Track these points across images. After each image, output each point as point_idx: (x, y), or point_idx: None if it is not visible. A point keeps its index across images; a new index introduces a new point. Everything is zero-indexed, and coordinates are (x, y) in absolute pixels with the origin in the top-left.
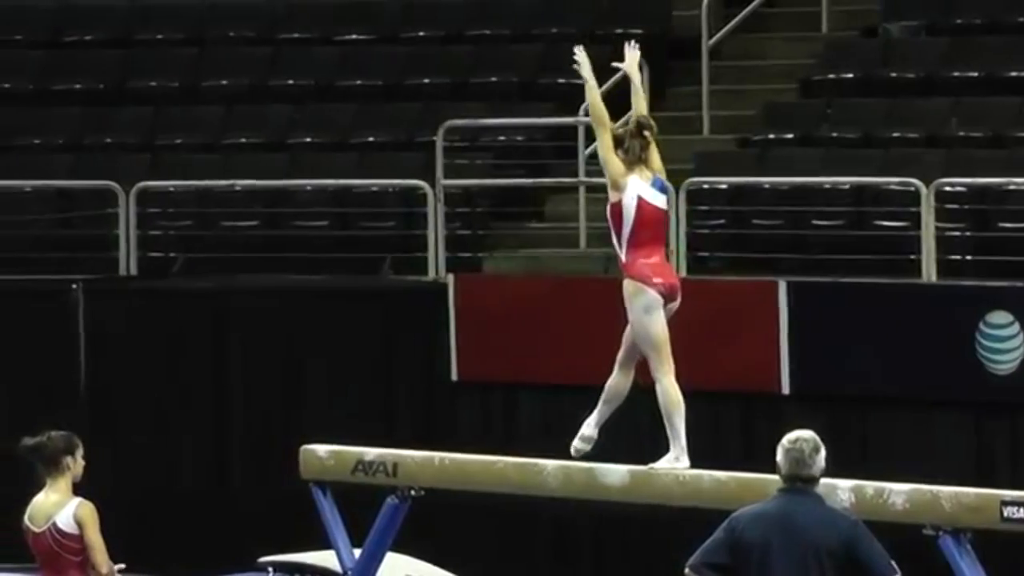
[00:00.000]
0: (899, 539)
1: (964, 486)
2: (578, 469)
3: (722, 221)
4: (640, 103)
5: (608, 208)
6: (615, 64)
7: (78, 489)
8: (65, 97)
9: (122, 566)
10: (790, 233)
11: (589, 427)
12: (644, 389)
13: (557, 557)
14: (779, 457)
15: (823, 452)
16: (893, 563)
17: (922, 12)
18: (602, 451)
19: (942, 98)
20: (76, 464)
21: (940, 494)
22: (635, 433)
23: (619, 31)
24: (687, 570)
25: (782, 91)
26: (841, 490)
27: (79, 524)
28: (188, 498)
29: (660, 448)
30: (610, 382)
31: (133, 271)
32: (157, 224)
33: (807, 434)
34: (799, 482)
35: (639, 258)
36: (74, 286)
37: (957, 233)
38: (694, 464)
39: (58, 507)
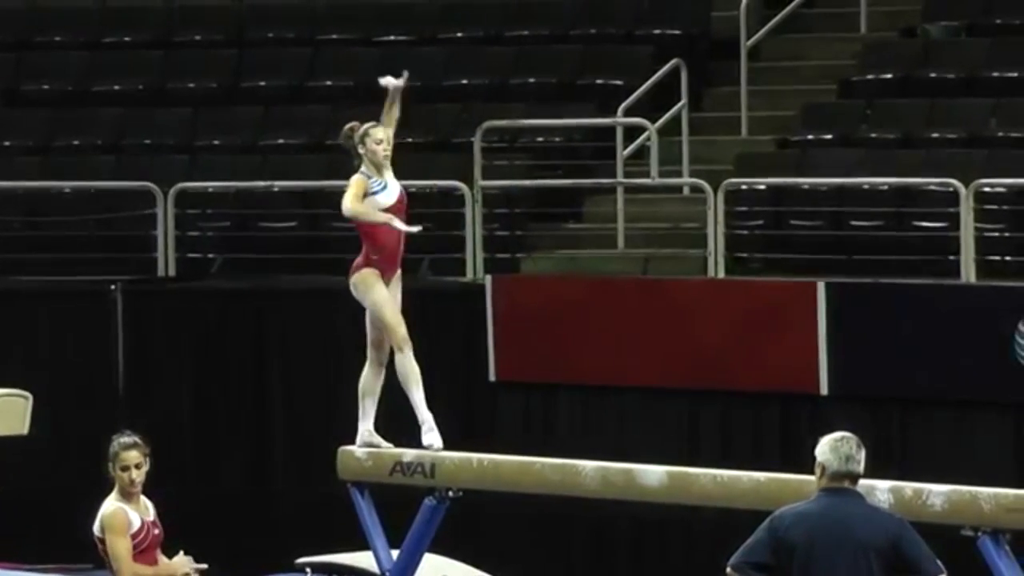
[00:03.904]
0: (938, 540)
1: (1003, 487)
2: (616, 470)
3: (761, 222)
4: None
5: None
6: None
7: (129, 496)
8: (105, 98)
9: (204, 567)
10: (829, 234)
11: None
12: (674, 391)
13: (595, 558)
14: (827, 455)
15: (863, 451)
16: (939, 562)
17: (962, 12)
18: (640, 452)
19: (982, 99)
20: (115, 474)
21: (979, 495)
22: (673, 433)
23: (658, 32)
24: (728, 569)
25: (821, 92)
26: (880, 491)
27: (103, 529)
28: (227, 499)
29: (698, 448)
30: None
31: (172, 272)
32: (196, 225)
33: (848, 433)
34: (847, 479)
35: None
36: (113, 287)
37: (996, 234)
38: (733, 465)
39: (99, 510)
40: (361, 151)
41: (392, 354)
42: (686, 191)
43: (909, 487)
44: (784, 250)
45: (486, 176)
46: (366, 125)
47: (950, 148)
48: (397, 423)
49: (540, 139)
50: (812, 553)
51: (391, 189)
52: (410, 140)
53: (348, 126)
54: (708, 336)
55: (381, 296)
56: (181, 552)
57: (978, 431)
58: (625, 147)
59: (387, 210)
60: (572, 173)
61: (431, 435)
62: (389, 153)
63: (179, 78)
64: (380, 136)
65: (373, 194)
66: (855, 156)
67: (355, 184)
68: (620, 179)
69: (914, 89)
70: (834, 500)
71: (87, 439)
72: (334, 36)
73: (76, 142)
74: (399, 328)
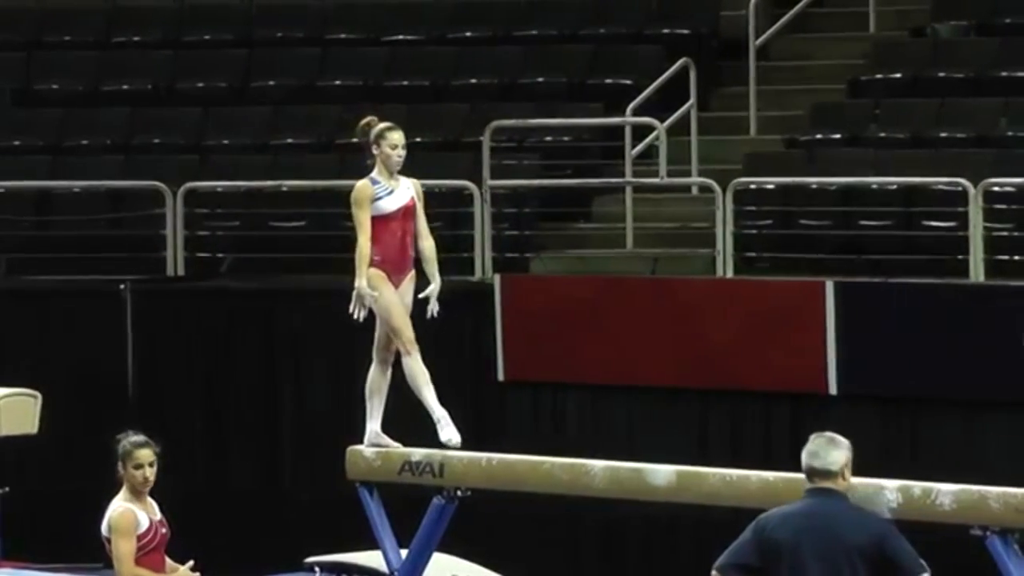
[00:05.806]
0: (946, 540)
1: (1012, 487)
2: (625, 470)
3: (770, 221)
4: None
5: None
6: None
7: (138, 495)
8: (114, 98)
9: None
10: (838, 234)
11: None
12: (683, 391)
13: (604, 558)
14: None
15: (844, 450)
16: (923, 561)
17: (971, 12)
18: (649, 452)
19: (991, 98)
20: (127, 473)
21: (988, 494)
22: (682, 433)
23: (667, 31)
24: (713, 571)
25: (830, 91)
26: (888, 490)
27: (110, 529)
28: (236, 498)
29: (707, 447)
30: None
31: (181, 272)
32: (205, 224)
33: (828, 432)
34: (815, 476)
35: None
36: (122, 286)
37: (1005, 233)
38: (742, 464)
39: (107, 510)
40: (375, 151)
41: (399, 355)
42: (695, 191)
43: (918, 486)
44: (793, 250)
45: (495, 176)
46: (383, 124)
47: (959, 148)
48: (405, 423)
49: (549, 139)
50: (798, 554)
51: (398, 195)
52: (419, 140)
53: (365, 120)
54: (717, 336)
55: (388, 298)
56: (191, 562)
57: (987, 431)
58: (634, 147)
59: (390, 215)
60: (581, 173)
61: (448, 430)
62: (402, 158)
63: (188, 78)
64: (396, 141)
65: (377, 199)
66: (864, 156)
67: (360, 203)
68: (629, 179)
69: (923, 89)
70: (817, 500)
71: (96, 438)
72: (343, 36)
73: (85, 141)
74: (405, 330)
